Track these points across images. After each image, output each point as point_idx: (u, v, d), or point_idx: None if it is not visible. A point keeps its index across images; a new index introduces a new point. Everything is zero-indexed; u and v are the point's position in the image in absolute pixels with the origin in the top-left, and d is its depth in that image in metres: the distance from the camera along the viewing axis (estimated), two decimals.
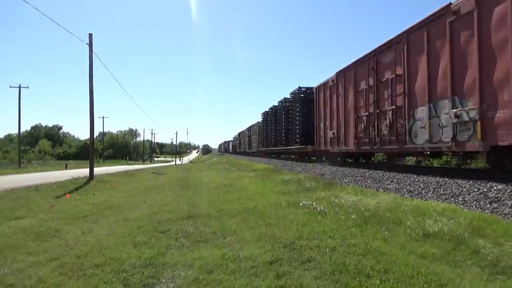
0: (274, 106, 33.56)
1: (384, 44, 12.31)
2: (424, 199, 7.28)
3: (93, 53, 18.16)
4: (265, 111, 38.51)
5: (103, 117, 77.01)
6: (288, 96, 28.23)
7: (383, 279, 3.43)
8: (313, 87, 21.87)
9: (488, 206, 6.06)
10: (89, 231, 6.03)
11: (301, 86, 23.90)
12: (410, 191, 8.27)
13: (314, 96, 20.16)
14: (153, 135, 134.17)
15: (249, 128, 53.01)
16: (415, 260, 3.92)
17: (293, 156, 31.47)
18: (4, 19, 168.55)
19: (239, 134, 71.12)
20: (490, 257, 3.79)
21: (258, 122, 43.66)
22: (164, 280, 3.63)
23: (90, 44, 18.15)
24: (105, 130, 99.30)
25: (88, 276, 3.80)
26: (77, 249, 4.89)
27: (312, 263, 3.95)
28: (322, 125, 18.68)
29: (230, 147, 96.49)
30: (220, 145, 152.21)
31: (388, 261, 3.87)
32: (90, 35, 18.28)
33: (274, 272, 3.70)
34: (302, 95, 23.57)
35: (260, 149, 42.30)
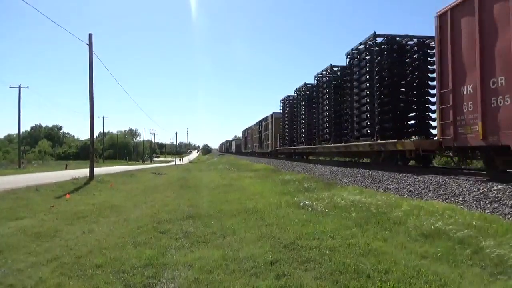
0: (306, 85, 23.19)
1: None
2: (424, 199, 7.28)
3: (93, 53, 18.18)
4: (288, 96, 28.36)
5: (103, 117, 76.34)
6: (336, 66, 18.59)
7: (384, 279, 3.43)
8: (401, 36, 13.44)
9: (488, 206, 6.06)
10: (89, 232, 6.03)
11: (378, 32, 13.71)
12: (410, 191, 8.27)
13: (438, 32, 9.73)
14: (153, 135, 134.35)
15: (260, 123, 42.84)
16: (415, 260, 3.92)
17: (348, 159, 20.80)
18: (4, 19, 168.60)
19: (245, 131, 59.91)
20: (490, 257, 3.79)
21: (274, 113, 33.77)
22: (164, 281, 3.63)
23: (90, 45, 18.14)
24: (105, 130, 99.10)
25: (88, 276, 3.80)
26: (77, 249, 4.89)
27: (312, 263, 3.95)
28: (468, 89, 8.68)
29: (233, 147, 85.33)
30: (221, 145, 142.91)
31: (389, 261, 3.87)
32: (90, 36, 18.28)
33: (274, 272, 3.70)
34: (386, 46, 13.61)
35: (279, 148, 31.70)
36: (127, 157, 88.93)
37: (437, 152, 11.04)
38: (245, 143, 60.87)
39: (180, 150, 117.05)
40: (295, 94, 26.55)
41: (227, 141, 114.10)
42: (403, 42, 13.74)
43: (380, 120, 13.41)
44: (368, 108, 14.42)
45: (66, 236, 5.76)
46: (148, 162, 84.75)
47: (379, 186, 9.46)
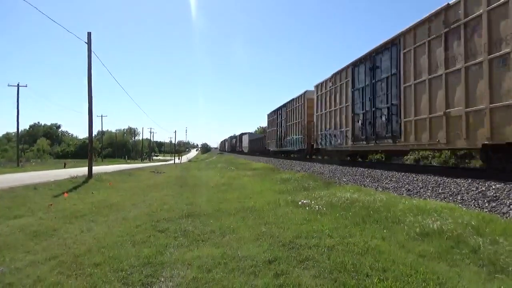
0: None
1: None
2: (422, 198, 7.29)
3: (91, 52, 18.13)
4: None
5: (101, 116, 76.55)
6: None
7: (382, 278, 3.43)
8: None
9: (487, 205, 6.08)
10: (87, 230, 6.03)
11: None
12: (408, 190, 8.29)
13: None
14: (151, 134, 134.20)
15: (344, 73, 16.26)
16: (413, 259, 3.92)
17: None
18: (3, 17, 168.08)
19: (278, 112, 31.05)
20: (488, 256, 3.79)
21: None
22: (163, 279, 3.63)
23: (89, 43, 18.09)
24: (104, 129, 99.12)
25: (87, 275, 3.80)
26: (75, 248, 4.89)
27: (310, 262, 3.95)
28: None
29: (244, 144, 60.04)
30: (223, 142, 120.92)
31: (387, 260, 3.87)
32: (89, 34, 18.21)
33: (272, 271, 3.70)
34: None
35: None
36: (126, 156, 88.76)
37: None
38: (277, 134, 31.30)
39: (179, 148, 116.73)
40: None
41: (232, 137, 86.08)
42: None
43: None
44: None
45: (65, 234, 5.76)
46: (147, 160, 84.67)
47: (377, 185, 9.47)
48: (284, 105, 28.65)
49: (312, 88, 21.18)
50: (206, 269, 3.83)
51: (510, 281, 3.29)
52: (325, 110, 18.78)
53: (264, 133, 44.28)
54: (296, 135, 24.98)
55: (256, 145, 48.66)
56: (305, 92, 22.86)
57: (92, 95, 18.24)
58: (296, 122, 25.00)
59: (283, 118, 29.38)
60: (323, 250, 4.31)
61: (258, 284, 3.40)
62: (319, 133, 19.57)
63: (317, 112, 20.02)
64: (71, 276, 3.79)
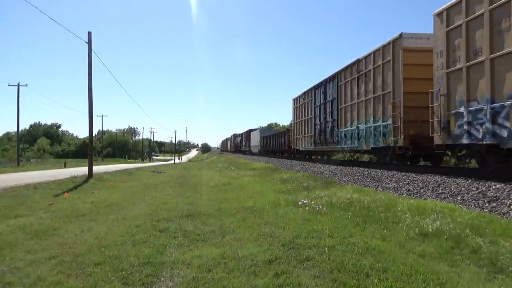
0: None
1: None
2: (423, 198, 7.29)
3: (92, 51, 18.12)
4: None
5: (102, 116, 76.69)
6: None
7: (382, 278, 3.43)
8: None
9: (487, 205, 6.08)
10: (88, 230, 6.03)
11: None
12: (409, 190, 8.29)
13: None
14: (152, 133, 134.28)
15: None
16: (413, 259, 3.93)
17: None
18: (3, 16, 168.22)
19: (316, 91, 20.03)
20: (488, 256, 3.80)
21: None
22: (163, 279, 3.63)
23: (89, 43, 18.08)
24: (104, 129, 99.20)
25: (87, 274, 3.80)
26: (76, 247, 4.89)
27: (310, 262, 3.95)
28: None
29: (253, 143, 49.25)
30: (224, 142, 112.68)
31: (387, 260, 3.87)
32: (89, 34, 18.20)
33: (273, 271, 3.70)
34: None
35: None
36: (126, 156, 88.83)
37: None
38: (316, 126, 20.27)
39: (179, 148, 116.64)
40: None
41: (236, 136, 74.01)
42: None
43: None
44: None
45: (65, 234, 5.76)
46: (147, 160, 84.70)
47: (378, 185, 9.48)
48: (335, 76, 17.48)
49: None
50: (206, 269, 3.83)
51: (510, 282, 3.29)
52: (490, 54, 7.98)
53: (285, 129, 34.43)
54: (366, 123, 14.24)
55: (272, 144, 36.68)
56: (398, 38, 12.01)
57: (93, 95, 18.25)
58: (367, 99, 14.15)
59: (330, 98, 18.16)
60: (323, 250, 4.31)
61: (258, 284, 3.40)
62: (460, 110, 9.08)
63: (449, 67, 9.45)
64: (71, 275, 3.80)
